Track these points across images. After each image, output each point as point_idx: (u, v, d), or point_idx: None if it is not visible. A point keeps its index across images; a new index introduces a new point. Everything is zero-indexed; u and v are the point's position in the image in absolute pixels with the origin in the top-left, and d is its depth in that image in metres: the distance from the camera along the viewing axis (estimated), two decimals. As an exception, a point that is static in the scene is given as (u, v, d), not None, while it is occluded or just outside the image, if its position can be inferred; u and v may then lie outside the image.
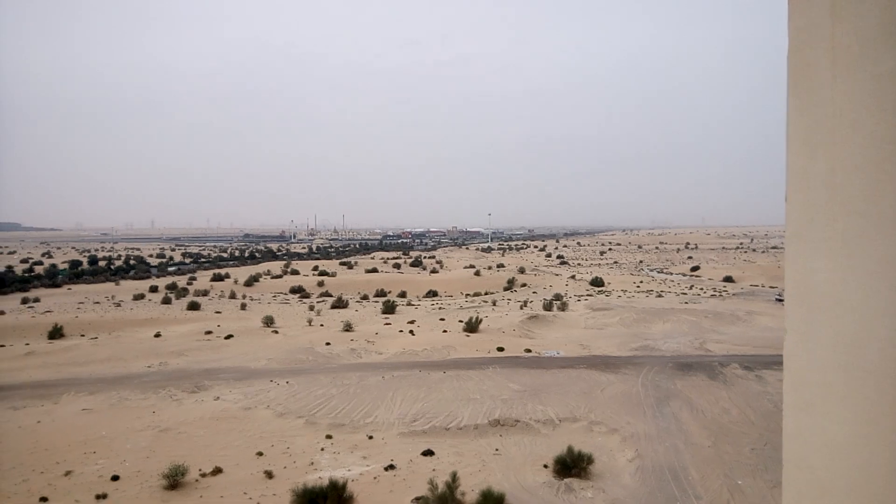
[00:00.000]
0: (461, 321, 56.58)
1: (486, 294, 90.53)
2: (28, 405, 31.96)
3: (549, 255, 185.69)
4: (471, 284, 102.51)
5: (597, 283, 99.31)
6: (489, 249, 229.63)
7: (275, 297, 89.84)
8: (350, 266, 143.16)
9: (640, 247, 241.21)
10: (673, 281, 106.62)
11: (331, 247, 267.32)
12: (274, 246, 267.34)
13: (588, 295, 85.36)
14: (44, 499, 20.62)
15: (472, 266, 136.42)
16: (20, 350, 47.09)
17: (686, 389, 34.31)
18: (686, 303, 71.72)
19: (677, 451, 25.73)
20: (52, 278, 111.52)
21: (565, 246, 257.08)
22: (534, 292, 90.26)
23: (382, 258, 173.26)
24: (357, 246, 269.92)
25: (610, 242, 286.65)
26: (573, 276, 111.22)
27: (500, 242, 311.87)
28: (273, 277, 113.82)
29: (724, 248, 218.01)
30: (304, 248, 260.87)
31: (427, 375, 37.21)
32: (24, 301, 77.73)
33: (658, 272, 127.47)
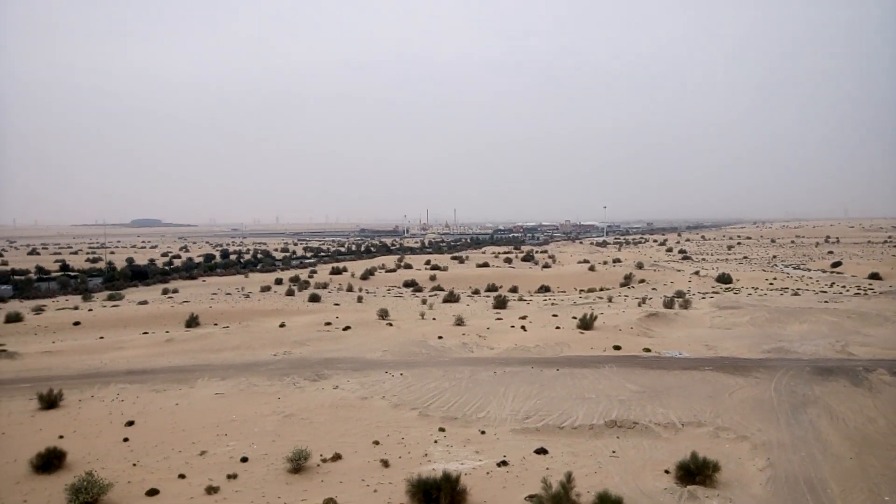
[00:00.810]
0: (575, 318, 55.30)
1: (601, 290, 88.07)
2: (168, 388, 34.75)
3: (669, 250, 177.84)
4: (585, 280, 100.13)
5: (724, 279, 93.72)
6: (604, 244, 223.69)
7: (389, 290, 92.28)
8: (461, 260, 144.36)
9: (773, 241, 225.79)
10: (811, 278, 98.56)
11: (442, 241, 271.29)
12: (388, 240, 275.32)
13: (714, 292, 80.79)
14: (182, 475, 22.22)
15: (586, 261, 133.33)
16: (161, 337, 51.38)
17: (825, 396, 31.45)
18: (826, 302, 65.98)
19: (814, 461, 23.60)
20: (189, 270, 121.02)
21: (688, 240, 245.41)
22: (653, 289, 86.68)
23: (493, 252, 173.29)
24: (468, 240, 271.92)
25: (739, 236, 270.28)
26: (697, 272, 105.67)
27: (617, 236, 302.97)
28: (387, 271, 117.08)
29: (869, 241, 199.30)
30: (416, 242, 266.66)
31: (540, 372, 36.63)
32: (165, 291, 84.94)
33: (794, 268, 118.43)
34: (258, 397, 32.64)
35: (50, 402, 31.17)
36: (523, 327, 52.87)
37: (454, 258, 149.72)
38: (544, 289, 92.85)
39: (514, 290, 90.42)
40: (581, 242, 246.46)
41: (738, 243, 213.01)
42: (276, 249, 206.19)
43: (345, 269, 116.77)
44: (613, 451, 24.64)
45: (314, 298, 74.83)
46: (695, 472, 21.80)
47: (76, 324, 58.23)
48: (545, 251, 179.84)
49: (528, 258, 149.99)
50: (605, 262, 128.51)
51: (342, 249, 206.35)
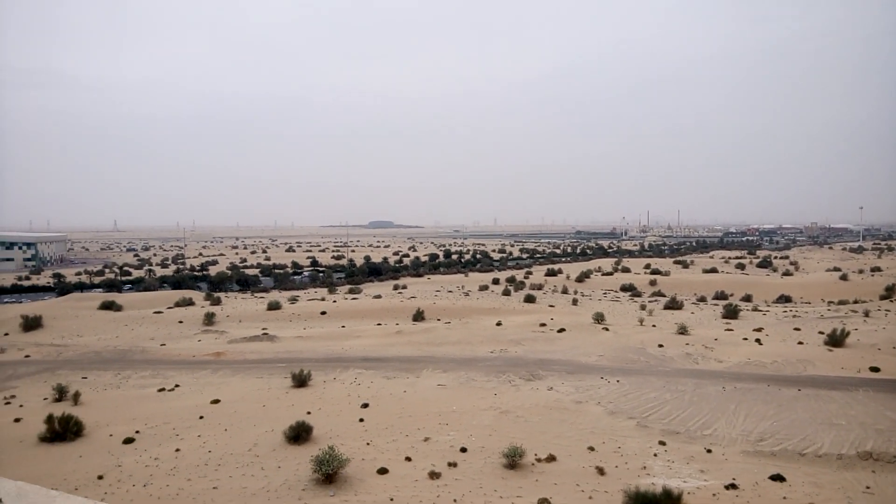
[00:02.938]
0: (821, 332, 48.93)
1: (855, 303, 76.72)
2: (397, 376, 37.69)
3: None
4: (834, 290, 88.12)
5: None
6: (860, 250, 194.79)
7: (605, 293, 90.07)
8: (685, 265, 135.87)
9: None
10: None
11: (664, 244, 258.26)
12: (605, 243, 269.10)
13: None
14: (408, 458, 23.96)
15: (836, 269, 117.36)
16: (392, 328, 55.88)
17: None
18: None
19: None
20: (416, 268, 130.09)
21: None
22: (923, 303, 73.29)
23: (723, 257, 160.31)
24: (693, 244, 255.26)
25: None
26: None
27: (876, 241, 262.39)
28: (604, 274, 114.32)
29: None
30: (635, 245, 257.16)
31: (777, 391, 33.02)
32: (395, 287, 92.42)
33: None
34: (476, 391, 33.96)
35: (301, 381, 35.65)
36: (758, 340, 48.08)
37: (677, 262, 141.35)
38: (784, 299, 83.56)
39: (747, 298, 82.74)
40: (830, 248, 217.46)
41: None
42: (493, 250, 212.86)
43: (560, 271, 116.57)
44: (867, 487, 21.35)
45: (529, 299, 75.80)
46: (983, 528, 18.04)
47: (323, 313, 65.81)
48: (786, 257, 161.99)
49: (765, 264, 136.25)
50: (860, 271, 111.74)
51: (557, 251, 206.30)
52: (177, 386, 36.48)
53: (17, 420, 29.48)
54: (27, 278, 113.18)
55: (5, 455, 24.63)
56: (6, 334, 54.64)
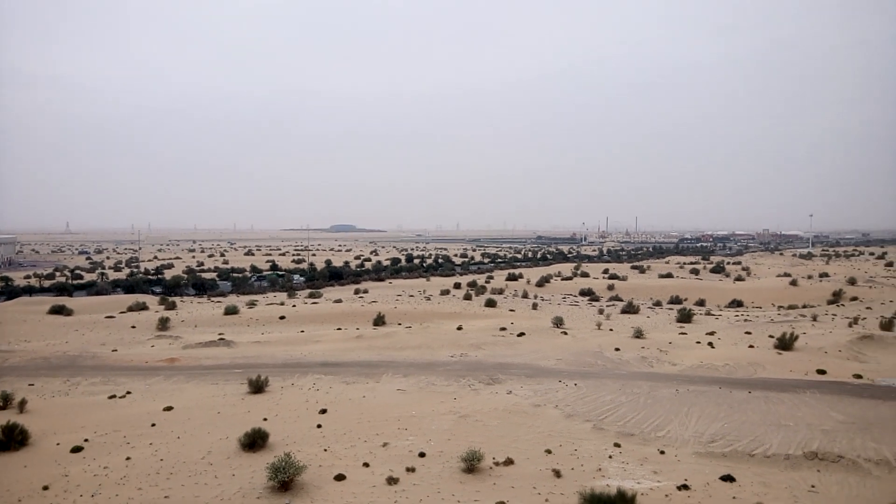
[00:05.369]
0: (771, 336, 50.50)
1: (803, 307, 79.31)
2: (356, 381, 37.44)
3: (889, 265, 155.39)
4: (785, 295, 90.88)
5: (959, 300, 79.82)
6: (809, 256, 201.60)
7: (564, 298, 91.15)
8: (642, 270, 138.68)
9: None
10: None
11: (622, 250, 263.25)
12: (565, 248, 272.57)
13: (946, 314, 69.07)
14: (366, 464, 23.81)
15: (786, 274, 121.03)
16: (352, 333, 55.50)
17: None
18: None
19: None
20: (378, 273, 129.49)
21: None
22: (867, 308, 76.26)
23: (678, 262, 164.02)
24: (650, 249, 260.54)
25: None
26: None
27: (824, 248, 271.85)
28: (563, 279, 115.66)
29: None
30: (594, 250, 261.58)
31: (728, 394, 33.93)
32: (356, 291, 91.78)
33: None
34: (436, 396, 33.98)
35: (257, 387, 35.10)
36: (710, 344, 49.33)
37: (634, 268, 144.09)
38: (736, 303, 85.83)
39: (700, 303, 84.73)
40: (781, 254, 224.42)
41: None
42: (455, 255, 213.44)
43: (520, 276, 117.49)
44: (812, 486, 22.09)
45: (490, 303, 76.24)
46: (918, 523, 18.83)
47: (282, 318, 64.94)
48: (738, 262, 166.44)
49: (718, 269, 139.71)
50: (809, 277, 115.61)
51: (518, 256, 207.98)
52: (128, 393, 35.54)
53: (-43, 430, 28.25)
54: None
55: (-56, 466, 23.62)
56: (-53, 340, 52.37)
